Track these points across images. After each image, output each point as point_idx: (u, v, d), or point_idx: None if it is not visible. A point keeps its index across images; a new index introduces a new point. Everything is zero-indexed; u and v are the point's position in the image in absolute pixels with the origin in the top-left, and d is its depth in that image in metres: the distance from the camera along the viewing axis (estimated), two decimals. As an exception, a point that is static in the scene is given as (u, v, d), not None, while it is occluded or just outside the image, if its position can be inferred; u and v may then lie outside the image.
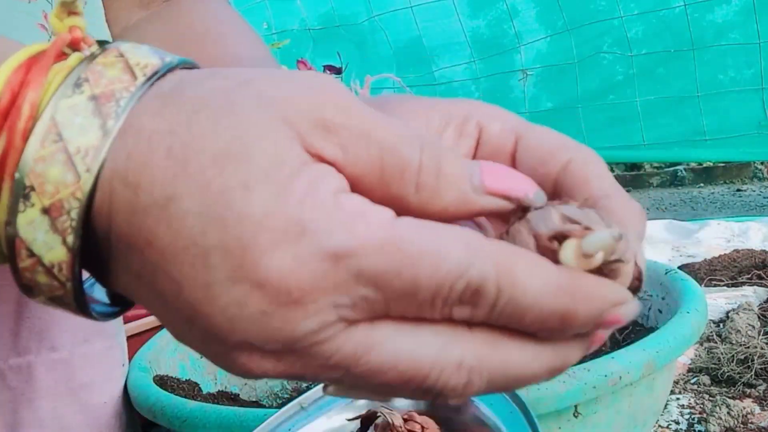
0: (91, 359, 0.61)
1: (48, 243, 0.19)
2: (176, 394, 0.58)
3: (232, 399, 0.71)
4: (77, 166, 0.19)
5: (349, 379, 0.21)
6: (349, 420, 0.43)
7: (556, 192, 0.25)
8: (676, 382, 0.80)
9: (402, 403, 0.43)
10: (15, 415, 0.57)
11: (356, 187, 0.20)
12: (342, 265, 0.18)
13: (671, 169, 4.01)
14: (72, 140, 0.19)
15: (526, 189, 0.22)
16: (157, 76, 0.20)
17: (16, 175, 0.19)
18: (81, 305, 0.21)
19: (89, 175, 0.19)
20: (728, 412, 0.68)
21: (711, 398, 0.76)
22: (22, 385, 0.57)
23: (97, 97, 0.20)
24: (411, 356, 0.20)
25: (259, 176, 0.18)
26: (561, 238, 0.19)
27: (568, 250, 0.19)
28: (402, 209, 0.20)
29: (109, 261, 0.21)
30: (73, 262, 0.20)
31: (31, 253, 0.20)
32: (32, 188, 0.19)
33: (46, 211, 0.19)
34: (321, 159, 0.20)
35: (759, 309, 0.96)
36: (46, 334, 0.58)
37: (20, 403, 0.57)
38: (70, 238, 0.19)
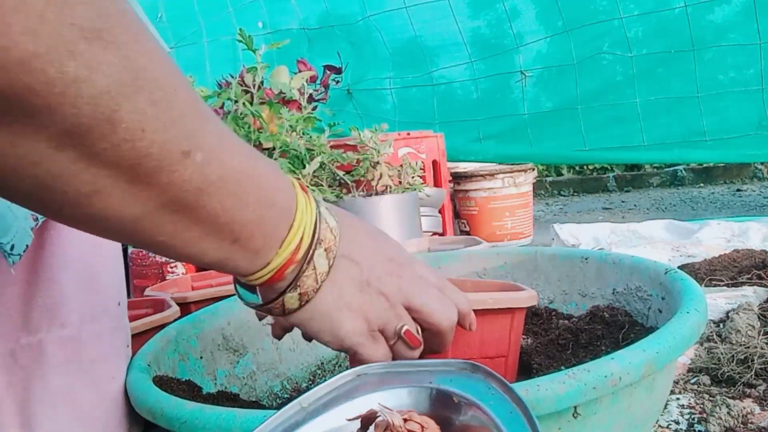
0: (99, 337, 0.63)
1: (331, 220, 0.47)
2: (176, 395, 0.58)
3: (232, 399, 0.71)
4: (334, 216, 0.47)
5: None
6: (349, 420, 0.43)
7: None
8: (676, 382, 0.80)
9: (402, 403, 0.43)
10: (26, 393, 0.58)
11: None
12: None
13: (671, 169, 4.01)
14: (329, 228, 0.46)
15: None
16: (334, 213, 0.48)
17: (318, 210, 0.46)
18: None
19: (338, 238, 0.47)
20: (728, 412, 0.68)
21: (711, 398, 0.76)
22: (33, 363, 0.58)
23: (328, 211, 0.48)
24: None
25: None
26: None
27: None
28: None
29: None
30: (339, 227, 0.47)
31: (327, 224, 0.46)
32: (321, 240, 0.45)
33: (326, 250, 0.46)
34: None
35: (759, 309, 0.96)
36: (56, 312, 0.60)
37: (32, 380, 0.58)
38: (336, 218, 0.48)
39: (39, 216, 0.56)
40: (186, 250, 0.39)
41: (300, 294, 0.45)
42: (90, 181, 0.32)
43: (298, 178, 0.49)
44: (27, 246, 0.55)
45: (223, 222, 0.39)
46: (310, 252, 0.44)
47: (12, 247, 0.53)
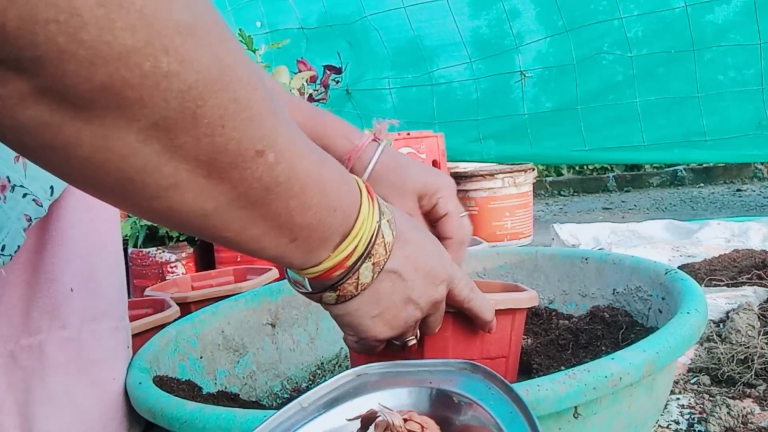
0: (99, 338, 0.63)
1: (389, 234, 0.47)
2: (176, 395, 0.58)
3: (231, 399, 0.71)
4: (392, 231, 0.48)
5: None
6: (349, 420, 0.43)
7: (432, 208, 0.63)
8: (676, 382, 0.80)
9: (402, 403, 0.43)
10: (26, 394, 0.58)
11: None
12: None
13: (671, 169, 4.01)
14: (383, 243, 0.47)
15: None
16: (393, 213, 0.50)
17: (379, 223, 0.47)
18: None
19: (390, 254, 0.48)
20: (728, 412, 0.68)
21: (711, 398, 0.76)
22: (33, 363, 0.59)
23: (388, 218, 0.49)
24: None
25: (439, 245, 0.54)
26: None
27: None
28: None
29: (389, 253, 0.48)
30: (393, 242, 0.48)
31: (383, 239, 0.47)
32: (372, 254, 0.47)
33: (374, 264, 0.47)
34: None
35: (759, 309, 0.96)
36: (56, 313, 0.60)
37: (32, 381, 0.58)
38: (394, 233, 0.48)
39: (32, 216, 0.55)
40: (248, 245, 0.41)
41: (338, 295, 0.47)
42: (170, 175, 0.33)
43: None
44: (19, 246, 0.54)
45: (284, 222, 0.40)
46: (359, 263, 0.46)
47: (3, 248, 0.53)
